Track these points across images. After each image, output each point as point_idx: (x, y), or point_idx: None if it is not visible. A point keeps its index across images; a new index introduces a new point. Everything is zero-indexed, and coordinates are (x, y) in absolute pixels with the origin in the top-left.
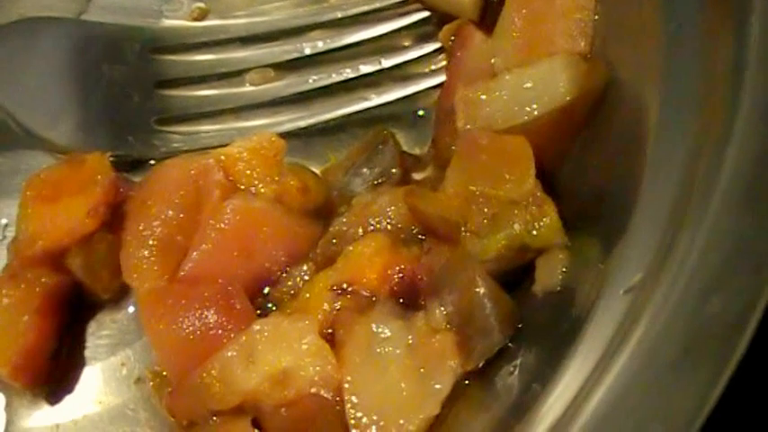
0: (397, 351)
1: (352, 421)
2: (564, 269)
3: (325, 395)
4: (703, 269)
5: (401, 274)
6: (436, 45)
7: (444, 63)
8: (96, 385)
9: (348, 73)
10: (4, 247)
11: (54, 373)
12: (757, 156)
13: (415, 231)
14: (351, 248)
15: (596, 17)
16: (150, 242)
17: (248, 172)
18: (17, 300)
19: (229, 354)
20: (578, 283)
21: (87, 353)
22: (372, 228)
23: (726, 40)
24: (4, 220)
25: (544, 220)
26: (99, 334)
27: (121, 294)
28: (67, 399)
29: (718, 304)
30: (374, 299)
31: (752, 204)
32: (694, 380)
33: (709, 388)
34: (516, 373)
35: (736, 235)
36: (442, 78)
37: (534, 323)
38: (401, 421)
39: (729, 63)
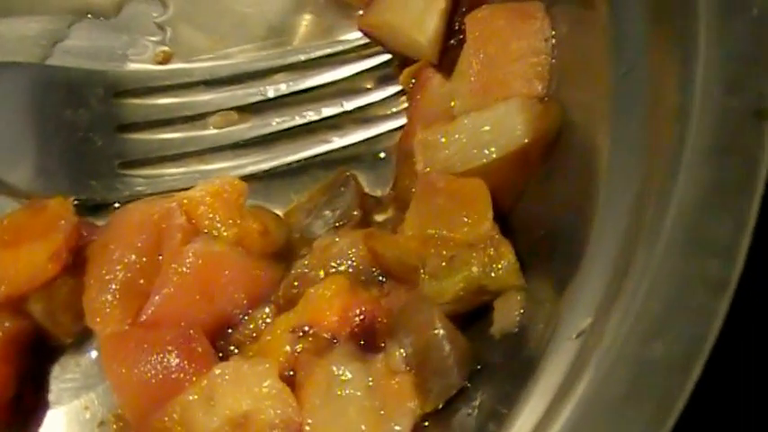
0: (357, 393)
1: None
2: (521, 311)
3: None
4: (646, 314)
5: (361, 316)
6: (397, 88)
7: (404, 105)
8: (59, 429)
9: (310, 115)
10: None
11: (17, 417)
12: (700, 201)
13: (375, 273)
14: (311, 291)
15: (552, 61)
16: (112, 286)
17: (210, 215)
18: None
19: (190, 397)
20: (534, 324)
21: (51, 397)
22: (333, 270)
23: (671, 85)
24: None
25: (501, 262)
26: (62, 378)
27: (84, 338)
28: None
29: (659, 349)
30: (334, 341)
31: (696, 248)
32: (637, 424)
33: None
34: (474, 414)
35: (679, 280)
36: (403, 121)
37: (492, 364)
38: None
39: (675, 108)
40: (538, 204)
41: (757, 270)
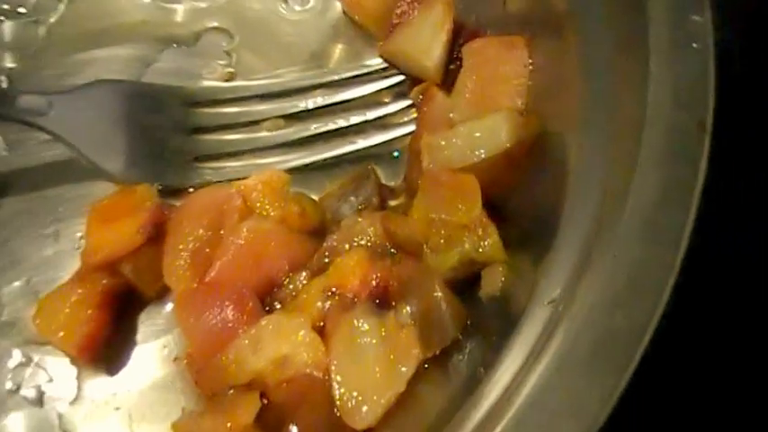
0: (373, 341)
1: (337, 395)
2: (503, 279)
3: (317, 375)
4: (609, 288)
5: (377, 281)
6: (409, 101)
7: (415, 115)
8: (144, 362)
9: (341, 122)
10: (78, 254)
11: (112, 353)
12: (653, 197)
13: (388, 247)
14: (339, 260)
15: (530, 82)
16: (184, 254)
17: (261, 199)
18: (83, 297)
19: (242, 342)
20: (514, 291)
21: (138, 337)
22: (356, 244)
23: (629, 101)
24: (79, 234)
25: (488, 240)
26: (147, 323)
27: (164, 293)
28: (122, 372)
29: (621, 318)
30: (356, 300)
31: (649, 236)
32: (601, 381)
33: (612, 389)
34: (465, 359)
35: (636, 261)
36: (413, 127)
37: (480, 321)
38: (375, 396)
39: (632, 119)
40: (519, 195)
41: (698, 253)
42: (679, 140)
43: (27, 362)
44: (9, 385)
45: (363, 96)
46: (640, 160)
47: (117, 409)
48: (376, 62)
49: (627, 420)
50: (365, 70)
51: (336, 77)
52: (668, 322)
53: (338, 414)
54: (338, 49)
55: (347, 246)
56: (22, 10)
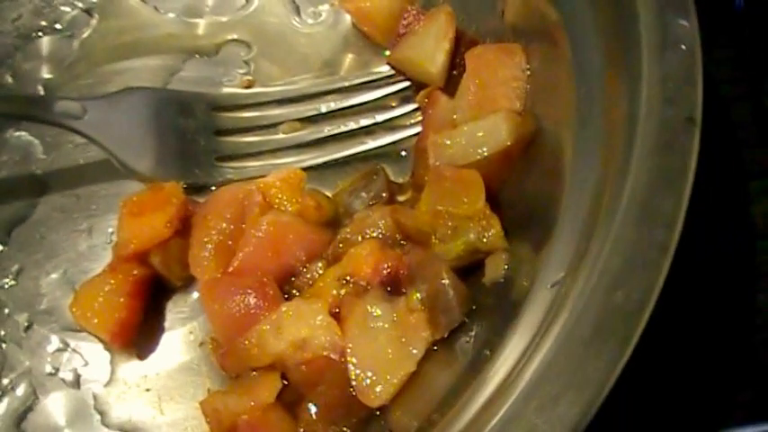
0: (385, 325)
1: (353, 376)
2: (506, 266)
3: (333, 357)
4: (609, 270)
5: (388, 269)
6: (414, 105)
7: (420, 118)
8: (172, 347)
9: (352, 125)
10: (111, 248)
11: (142, 338)
12: (647, 185)
13: (398, 238)
14: (352, 250)
15: (527, 85)
16: (209, 245)
17: (279, 195)
18: (115, 286)
19: (264, 327)
20: (516, 276)
21: (166, 323)
22: (368, 235)
23: (622, 100)
24: (111, 229)
25: (491, 230)
26: (174, 310)
27: (189, 282)
28: (152, 356)
29: (620, 297)
30: (368, 287)
31: (644, 221)
32: (602, 357)
33: (614, 364)
34: (471, 341)
35: (633, 244)
36: (419, 129)
37: (485, 305)
38: (387, 376)
39: (624, 117)
40: (519, 188)
41: (691, 236)
42: (671, 133)
43: (65, 347)
44: (48, 368)
45: (372, 101)
46: (635, 151)
47: (147, 390)
48: (383, 69)
49: (627, 394)
50: (374, 77)
51: (347, 84)
52: (666, 300)
53: (353, 393)
54: (348, 58)
55: (360, 237)
56: (58, 26)
